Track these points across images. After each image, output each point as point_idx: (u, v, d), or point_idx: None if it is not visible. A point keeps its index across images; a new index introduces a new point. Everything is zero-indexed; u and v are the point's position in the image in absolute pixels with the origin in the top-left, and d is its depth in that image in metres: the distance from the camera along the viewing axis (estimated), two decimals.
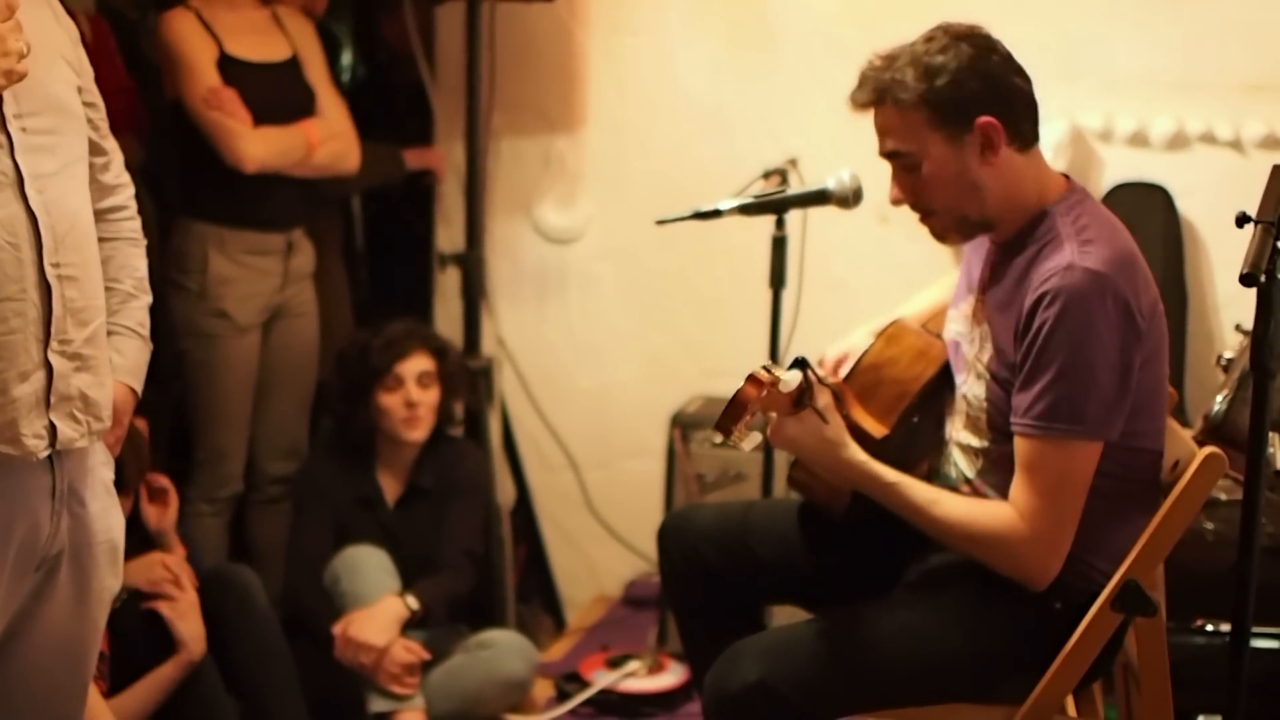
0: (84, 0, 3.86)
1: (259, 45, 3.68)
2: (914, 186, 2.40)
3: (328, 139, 3.72)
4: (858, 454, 2.40)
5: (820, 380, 2.41)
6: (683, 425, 4.03)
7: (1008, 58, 2.37)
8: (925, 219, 2.44)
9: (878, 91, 2.36)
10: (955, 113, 2.32)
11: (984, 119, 2.31)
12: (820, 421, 2.38)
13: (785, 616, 2.87)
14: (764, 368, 2.30)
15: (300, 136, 3.66)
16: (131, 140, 3.68)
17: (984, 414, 2.40)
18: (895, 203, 2.43)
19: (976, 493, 2.44)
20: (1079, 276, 2.24)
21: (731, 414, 2.26)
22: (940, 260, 3.83)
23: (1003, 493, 2.35)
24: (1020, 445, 2.31)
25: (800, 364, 2.37)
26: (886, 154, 2.40)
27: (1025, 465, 2.30)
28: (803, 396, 2.36)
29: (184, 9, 3.60)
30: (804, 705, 2.30)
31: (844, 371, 2.60)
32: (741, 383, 2.27)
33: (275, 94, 3.65)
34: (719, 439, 2.31)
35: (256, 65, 3.65)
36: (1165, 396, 2.40)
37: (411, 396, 3.62)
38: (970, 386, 2.44)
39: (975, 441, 2.44)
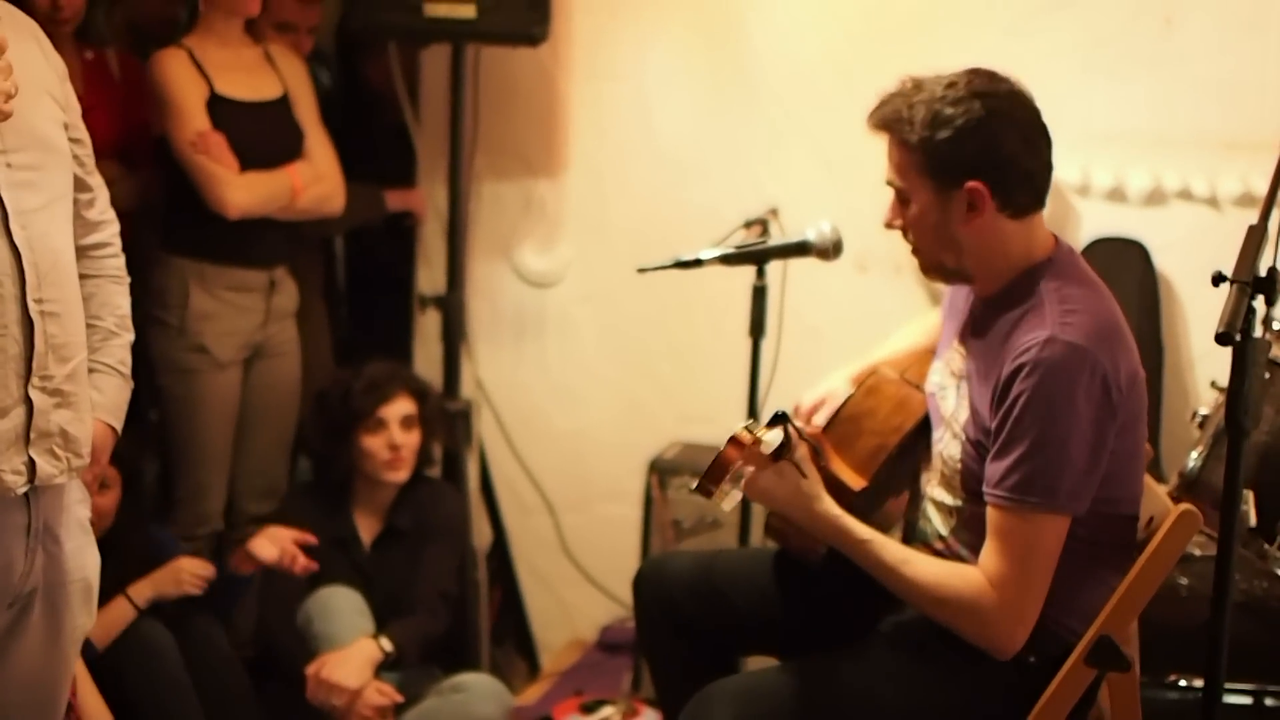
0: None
1: (250, 84, 3.68)
2: (904, 220, 2.41)
3: (312, 183, 3.72)
4: (831, 508, 2.40)
5: (799, 434, 2.42)
6: (660, 471, 4.03)
7: (1025, 124, 2.32)
8: (913, 251, 2.45)
9: (885, 120, 2.35)
10: (947, 169, 2.31)
11: (972, 184, 2.30)
12: (797, 474, 2.39)
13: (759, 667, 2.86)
14: (745, 428, 2.33)
15: (285, 182, 3.65)
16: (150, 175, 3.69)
17: (958, 474, 2.41)
18: (889, 226, 2.44)
19: (949, 549, 2.44)
20: (1058, 350, 2.23)
21: (713, 475, 2.32)
22: (918, 311, 3.85)
23: (975, 551, 2.34)
24: (992, 515, 2.30)
25: (780, 418, 2.38)
26: (886, 181, 2.40)
27: (996, 534, 2.30)
28: (781, 450, 2.38)
29: (176, 48, 3.59)
30: None
31: (822, 419, 2.62)
32: (724, 443, 2.33)
33: (264, 134, 3.65)
34: (700, 497, 2.37)
35: (246, 104, 3.65)
36: (1142, 462, 2.39)
37: (395, 439, 3.62)
38: (946, 445, 2.44)
39: (949, 499, 2.45)
